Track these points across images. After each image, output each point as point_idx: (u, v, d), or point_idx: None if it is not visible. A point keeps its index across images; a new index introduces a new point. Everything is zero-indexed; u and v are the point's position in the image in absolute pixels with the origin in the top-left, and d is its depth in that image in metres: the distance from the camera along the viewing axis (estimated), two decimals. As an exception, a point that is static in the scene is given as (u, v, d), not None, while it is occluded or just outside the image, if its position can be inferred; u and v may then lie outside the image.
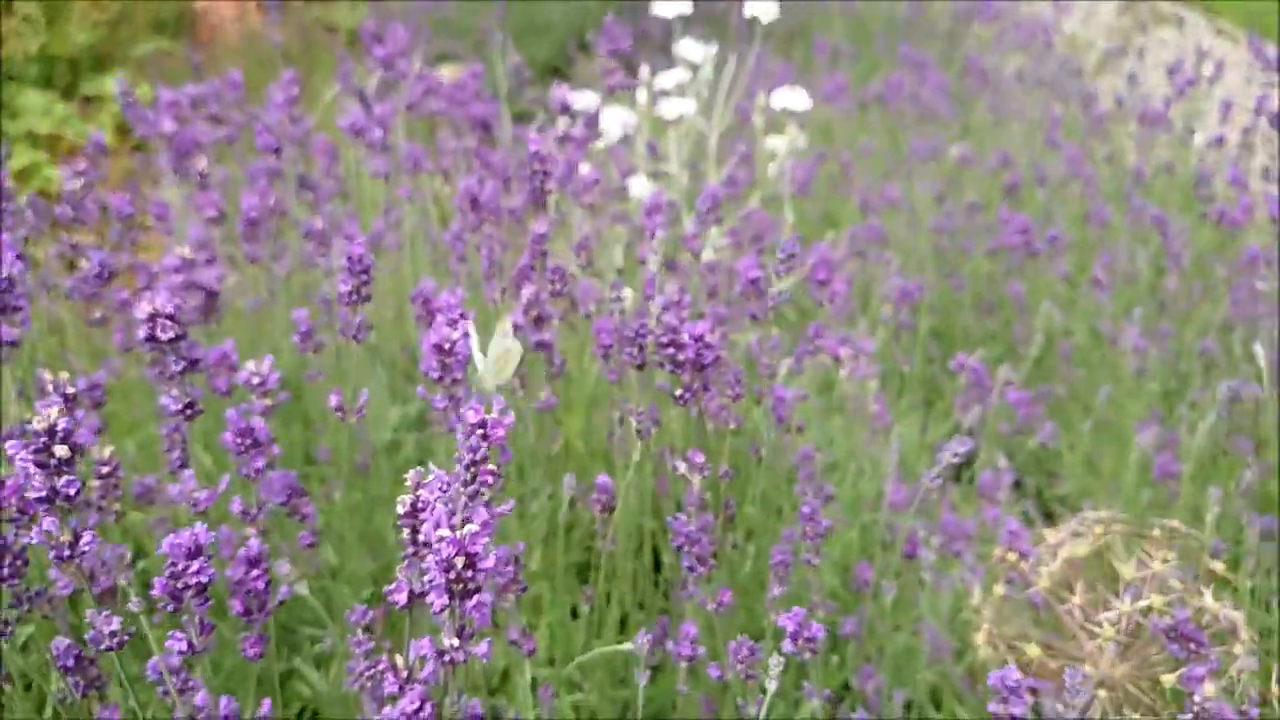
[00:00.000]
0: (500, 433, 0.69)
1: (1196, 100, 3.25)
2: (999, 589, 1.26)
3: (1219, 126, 2.99)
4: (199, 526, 0.66)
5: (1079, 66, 3.08)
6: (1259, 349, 1.79)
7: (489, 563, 0.69)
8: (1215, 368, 2.14)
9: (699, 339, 1.03)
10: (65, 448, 0.81)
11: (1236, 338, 2.14)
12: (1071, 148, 2.50)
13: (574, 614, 1.45)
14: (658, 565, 1.56)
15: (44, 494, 0.80)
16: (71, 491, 0.81)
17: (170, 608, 0.68)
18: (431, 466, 0.70)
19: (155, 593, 0.66)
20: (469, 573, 0.69)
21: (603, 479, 1.11)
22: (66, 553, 0.81)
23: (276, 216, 1.49)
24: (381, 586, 1.58)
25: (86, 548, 0.83)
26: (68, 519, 0.82)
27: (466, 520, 0.71)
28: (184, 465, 0.98)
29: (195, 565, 0.65)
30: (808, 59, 3.35)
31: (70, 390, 1.00)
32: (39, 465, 0.80)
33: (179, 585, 0.65)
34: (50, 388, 1.00)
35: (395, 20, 4.94)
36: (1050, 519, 2.00)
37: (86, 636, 0.83)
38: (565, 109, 1.40)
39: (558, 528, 1.49)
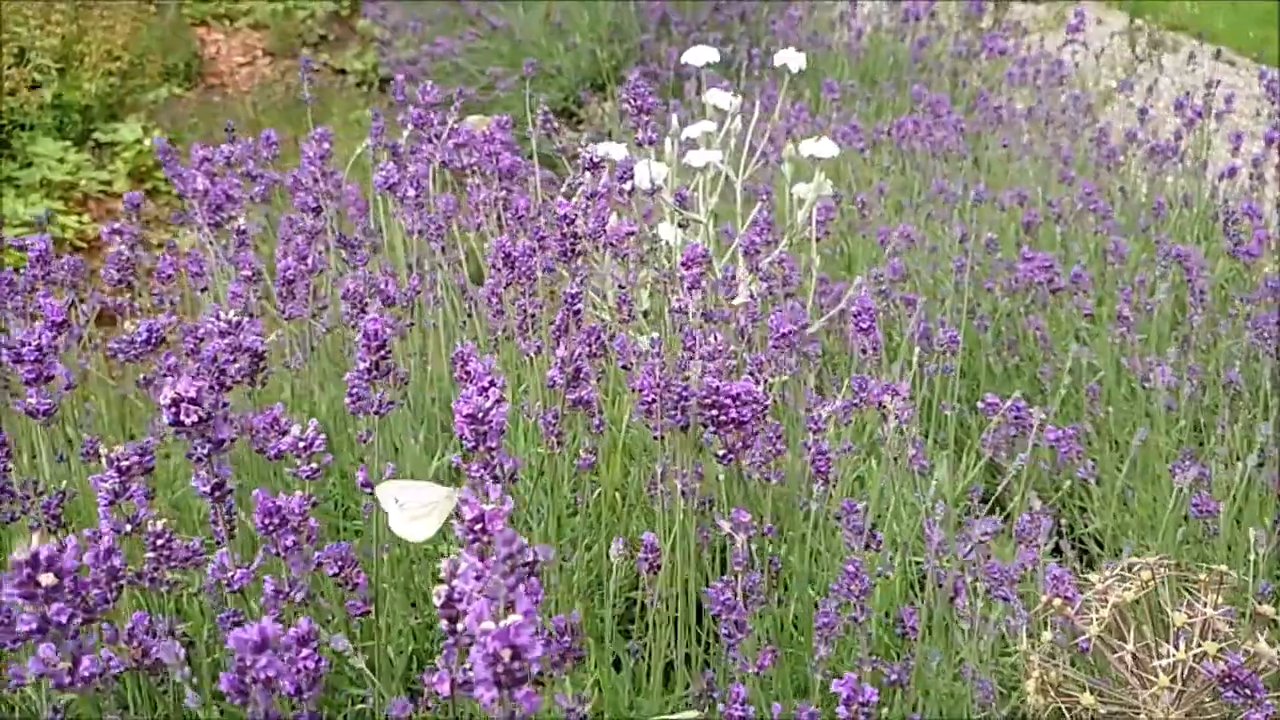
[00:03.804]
0: (499, 525, 0.69)
1: (1205, 131, 3.28)
2: (1047, 635, 1.26)
3: (1230, 158, 3.02)
4: (266, 620, 0.66)
5: (1089, 102, 3.11)
6: (1289, 384, 1.80)
7: (536, 652, 0.69)
8: (1241, 399, 2.15)
9: (737, 398, 1.04)
10: (51, 575, 0.78)
11: (1264, 371, 2.15)
12: (1086, 183, 2.52)
13: (616, 666, 1.45)
14: (698, 615, 1.56)
15: (35, 625, 0.78)
16: (64, 619, 0.78)
17: (238, 701, 0.68)
18: (464, 555, 0.70)
19: (223, 687, 0.66)
20: (516, 664, 0.69)
21: (649, 537, 1.11)
22: (66, 679, 0.80)
23: (314, 274, 1.50)
24: (423, 643, 1.58)
25: (88, 673, 0.81)
26: (65, 643, 0.80)
27: (509, 610, 0.71)
28: (225, 539, 0.99)
29: (264, 660, 0.65)
30: (817, 99, 3.39)
31: (125, 464, 1.01)
32: (25, 597, 0.78)
33: (247, 680, 0.65)
34: (105, 461, 1.01)
35: (404, 66, 5.00)
36: (1084, 557, 2.00)
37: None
38: (595, 166, 1.42)
39: (600, 581, 1.49)
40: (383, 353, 1.07)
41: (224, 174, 1.83)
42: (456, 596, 0.80)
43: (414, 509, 1.07)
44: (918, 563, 1.81)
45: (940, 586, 1.35)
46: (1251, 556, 1.47)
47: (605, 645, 1.39)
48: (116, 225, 1.71)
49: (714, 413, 1.02)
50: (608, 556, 1.57)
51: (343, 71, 5.55)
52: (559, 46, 4.33)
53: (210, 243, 1.83)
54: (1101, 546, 2.05)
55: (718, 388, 1.03)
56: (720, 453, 1.05)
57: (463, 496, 0.85)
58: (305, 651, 0.75)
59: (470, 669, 0.64)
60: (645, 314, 2.05)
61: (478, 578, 0.76)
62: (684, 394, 1.05)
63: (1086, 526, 2.08)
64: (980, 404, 1.93)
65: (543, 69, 4.40)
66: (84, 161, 4.50)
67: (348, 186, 2.23)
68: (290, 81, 5.12)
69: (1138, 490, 2.02)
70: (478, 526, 0.82)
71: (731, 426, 1.04)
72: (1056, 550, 2.07)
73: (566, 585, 1.51)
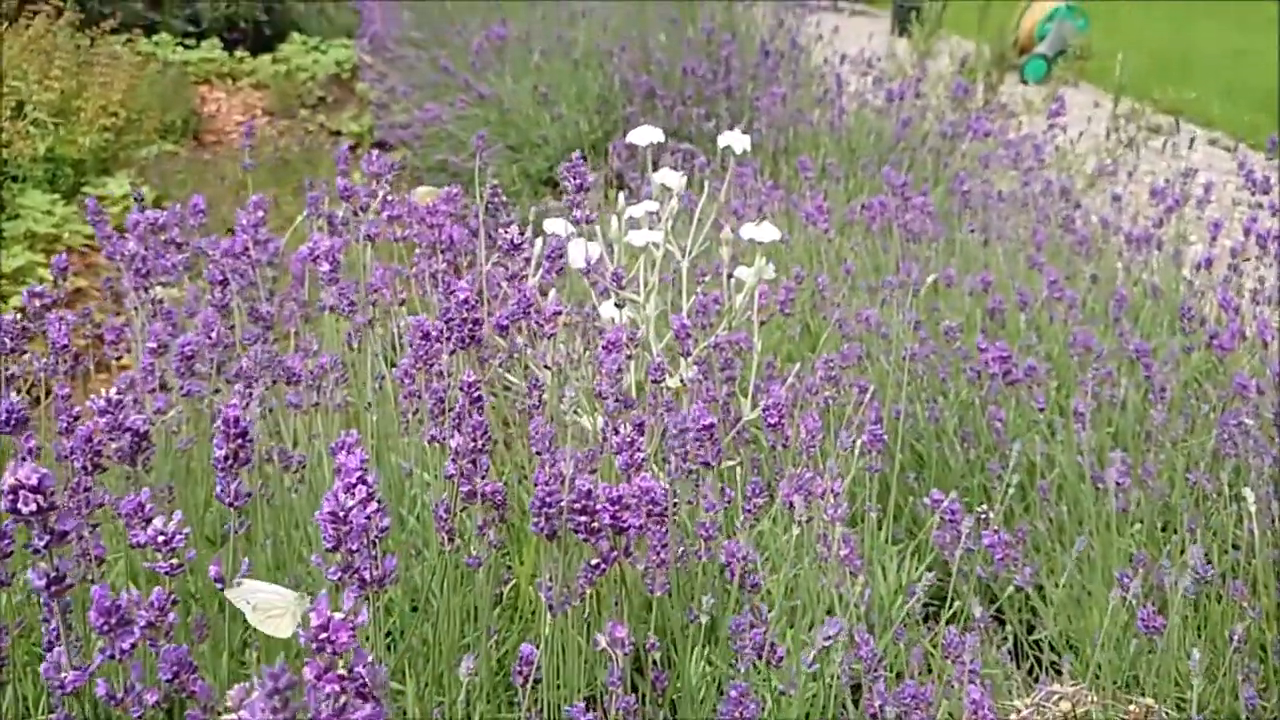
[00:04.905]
0: (344, 638, 0.63)
1: (1186, 219, 3.24)
2: (962, 766, 1.17)
3: (1208, 248, 2.97)
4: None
5: (1064, 186, 3.08)
6: (1249, 493, 1.72)
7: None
8: (1206, 500, 2.07)
9: (617, 501, 0.97)
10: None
11: (1228, 468, 2.07)
12: (1051, 270, 2.47)
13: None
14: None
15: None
16: None
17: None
18: (256, 681, 0.63)
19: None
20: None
21: (526, 649, 1.04)
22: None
23: (222, 349, 1.45)
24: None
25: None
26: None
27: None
28: (56, 644, 0.92)
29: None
30: (794, 178, 3.36)
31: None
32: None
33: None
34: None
35: (398, 130, 5.03)
36: (1033, 668, 1.90)
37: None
38: (516, 247, 1.38)
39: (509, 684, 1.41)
40: (242, 441, 1.01)
41: (149, 239, 1.79)
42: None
43: (266, 609, 1.02)
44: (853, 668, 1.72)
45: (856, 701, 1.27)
46: (1192, 680, 1.38)
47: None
48: (37, 288, 1.66)
49: (584, 519, 0.96)
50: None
51: (338, 133, 5.60)
52: (546, 117, 4.34)
53: (136, 309, 1.78)
54: (1058, 654, 1.95)
55: (589, 491, 0.96)
56: (593, 563, 0.98)
57: (313, 603, 0.79)
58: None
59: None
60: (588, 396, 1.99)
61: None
62: (548, 499, 0.98)
63: (1044, 630, 1.99)
64: (927, 500, 1.85)
65: (529, 138, 4.41)
66: (71, 215, 4.50)
67: (293, 255, 2.20)
68: (284, 142, 5.16)
69: (1095, 595, 1.93)
70: (323, 635, 0.75)
71: (607, 533, 0.97)
72: (1015, 652, 1.97)
73: (469, 687, 1.43)
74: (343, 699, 0.60)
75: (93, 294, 4.14)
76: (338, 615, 0.64)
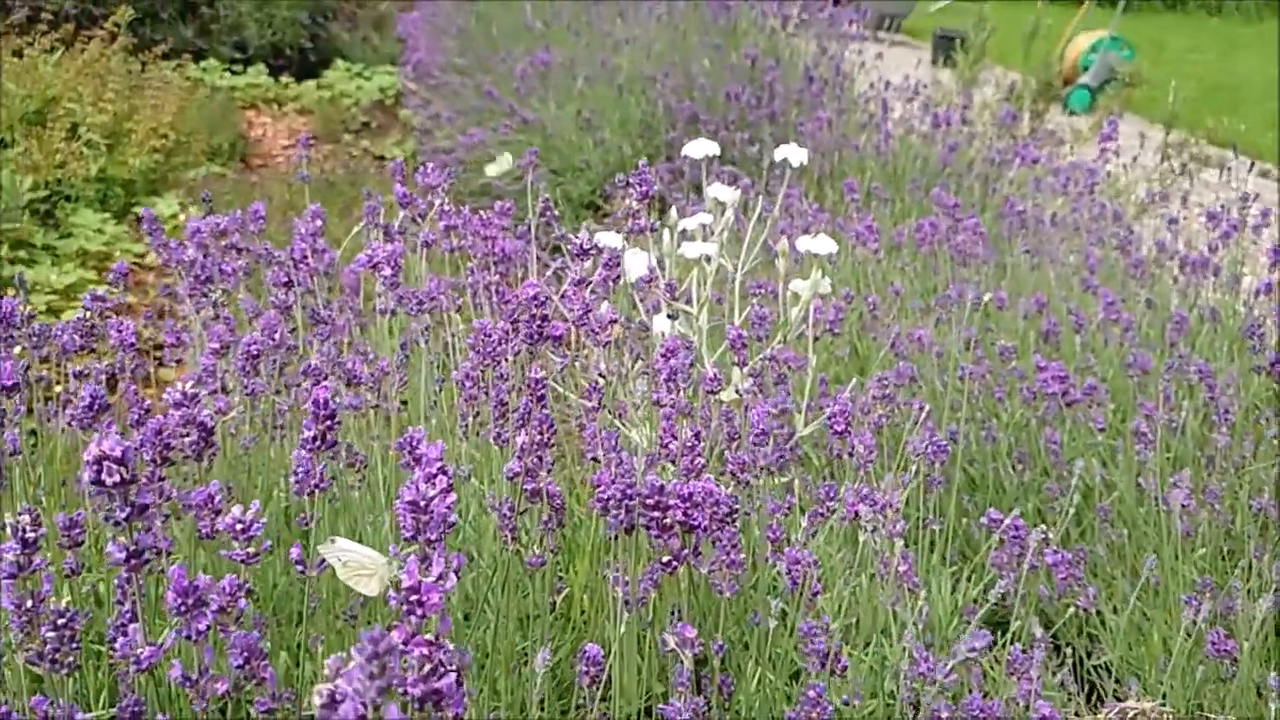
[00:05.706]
0: (436, 599, 0.62)
1: (1242, 244, 3.19)
2: (1034, 785, 1.14)
3: (1267, 273, 2.92)
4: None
5: (1117, 211, 3.05)
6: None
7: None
8: (1272, 527, 2.01)
9: (688, 499, 0.96)
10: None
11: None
12: (1107, 292, 2.43)
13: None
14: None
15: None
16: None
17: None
18: (354, 653, 0.63)
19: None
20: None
21: (592, 649, 1.02)
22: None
23: (284, 351, 1.46)
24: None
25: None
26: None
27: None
28: (134, 619, 0.92)
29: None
30: (840, 201, 3.36)
31: (30, 535, 0.95)
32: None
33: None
34: (9, 530, 0.95)
35: (441, 154, 5.09)
36: (1091, 692, 1.85)
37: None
38: (584, 252, 1.38)
39: (567, 688, 1.39)
40: (330, 423, 1.01)
41: (212, 246, 1.81)
42: (339, 698, 0.73)
43: (356, 568, 1.03)
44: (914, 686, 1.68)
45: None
46: (1270, 703, 1.33)
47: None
48: (99, 292, 1.68)
49: (656, 514, 0.94)
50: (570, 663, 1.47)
51: (382, 158, 5.67)
52: (589, 141, 4.37)
53: (195, 313, 1.80)
54: (1119, 681, 1.90)
55: (661, 487, 0.95)
56: (664, 560, 0.97)
57: (406, 566, 0.79)
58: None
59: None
60: (638, 407, 1.98)
61: (365, 680, 0.69)
62: (627, 493, 0.97)
63: (1102, 656, 1.94)
64: (984, 520, 1.82)
65: (571, 163, 4.44)
66: (121, 234, 4.59)
67: (348, 266, 2.22)
68: (328, 166, 5.23)
69: (1155, 621, 1.88)
70: (414, 597, 0.74)
71: (678, 531, 0.96)
72: (1074, 677, 1.92)
73: (522, 691, 1.41)
74: (427, 666, 0.59)
75: (141, 311, 4.20)
76: (428, 579, 0.63)
